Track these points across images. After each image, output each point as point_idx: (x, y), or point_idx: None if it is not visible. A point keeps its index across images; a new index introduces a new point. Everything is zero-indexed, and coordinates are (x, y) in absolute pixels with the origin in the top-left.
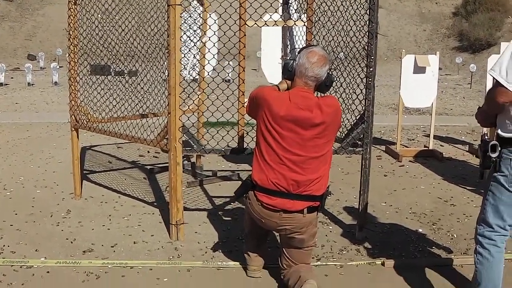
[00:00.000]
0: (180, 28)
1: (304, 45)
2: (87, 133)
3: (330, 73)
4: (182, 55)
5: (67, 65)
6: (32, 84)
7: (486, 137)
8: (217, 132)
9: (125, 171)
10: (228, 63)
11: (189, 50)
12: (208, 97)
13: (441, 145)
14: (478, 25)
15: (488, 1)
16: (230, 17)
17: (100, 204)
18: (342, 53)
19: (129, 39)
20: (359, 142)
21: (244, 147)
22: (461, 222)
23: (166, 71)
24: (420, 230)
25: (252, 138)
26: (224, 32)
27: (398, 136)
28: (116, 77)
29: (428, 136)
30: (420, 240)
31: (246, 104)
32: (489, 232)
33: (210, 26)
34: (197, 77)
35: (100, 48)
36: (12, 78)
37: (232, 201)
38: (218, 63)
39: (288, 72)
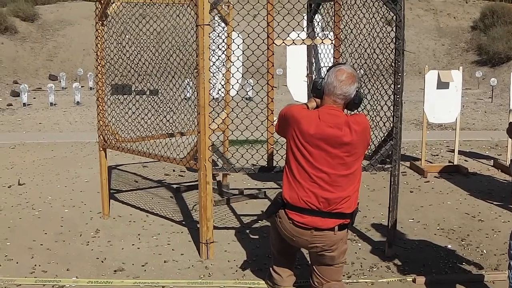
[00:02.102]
0: (210, 48)
1: (331, 63)
2: (111, 152)
3: (359, 91)
4: (211, 74)
5: (95, 85)
6: (55, 104)
7: None
8: (247, 151)
9: (152, 190)
10: (247, 82)
11: (218, 70)
12: (237, 116)
13: (465, 160)
14: (496, 38)
15: (506, 15)
16: (258, 36)
17: (129, 223)
18: (370, 70)
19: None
20: (388, 159)
21: (273, 165)
22: (490, 238)
23: (191, 90)
24: (449, 246)
25: (282, 156)
26: (252, 52)
27: (422, 151)
28: (147, 97)
29: (452, 151)
30: (450, 256)
31: (275, 122)
32: None
33: (238, 45)
34: (222, 95)
35: (122, 67)
36: (34, 98)
37: (261, 219)
38: (238, 82)
39: (317, 91)
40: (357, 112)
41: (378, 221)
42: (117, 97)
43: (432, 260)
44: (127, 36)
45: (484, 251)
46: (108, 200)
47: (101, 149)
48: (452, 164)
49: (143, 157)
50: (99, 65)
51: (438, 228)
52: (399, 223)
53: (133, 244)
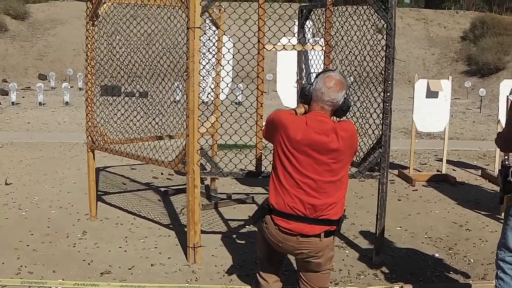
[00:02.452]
0: (200, 51)
1: (321, 69)
2: (99, 153)
3: (347, 98)
4: (201, 78)
5: (84, 86)
6: (44, 104)
7: (506, 162)
8: (235, 155)
9: (140, 193)
10: (237, 86)
11: (208, 73)
12: (226, 120)
13: (453, 170)
14: (486, 49)
15: (496, 26)
16: (249, 40)
17: (116, 225)
18: (360, 77)
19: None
20: (376, 167)
21: (262, 170)
22: (477, 247)
23: (180, 93)
24: (437, 255)
25: (270, 161)
26: (243, 56)
27: (411, 160)
28: (136, 99)
29: (441, 160)
30: (437, 265)
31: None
32: (510, 257)
33: (229, 49)
34: (212, 99)
35: (112, 68)
36: (23, 97)
37: (248, 224)
38: (227, 86)
39: (305, 96)
40: (345, 119)
41: (366, 228)
42: (106, 98)
43: (419, 268)
44: (117, 37)
45: (472, 260)
46: (95, 201)
47: (89, 150)
48: (440, 173)
49: (132, 159)
50: (88, 65)
51: (425, 236)
52: (386, 230)
53: (120, 247)
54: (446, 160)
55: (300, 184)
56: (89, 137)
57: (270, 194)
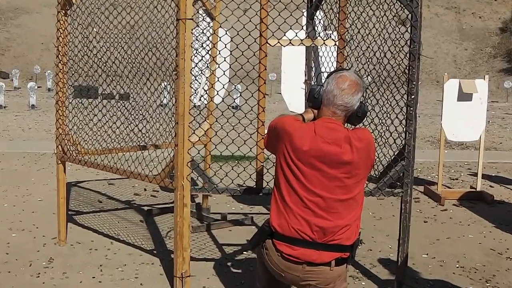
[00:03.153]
0: (191, 47)
1: (333, 68)
2: (72, 166)
3: (364, 102)
4: (193, 78)
5: (54, 86)
6: (5, 107)
7: None
8: (232, 169)
9: (119, 213)
10: (234, 87)
11: (201, 72)
12: (222, 127)
13: (490, 186)
14: None
15: None
16: (250, 34)
17: (89, 251)
18: (379, 77)
19: (130, 56)
20: (398, 183)
21: (263, 186)
22: None
23: (168, 95)
24: None
25: (273, 176)
26: (242, 52)
27: (439, 174)
28: (116, 102)
29: (475, 175)
30: None
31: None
32: None
33: (225, 44)
34: (205, 102)
35: (88, 65)
36: None
37: (246, 250)
38: (223, 88)
39: (314, 100)
40: (361, 127)
41: (385, 255)
42: (80, 101)
43: None
44: (94, 29)
45: None
46: (65, 223)
47: (60, 162)
48: (474, 190)
49: (110, 172)
50: (60, 62)
51: (457, 266)
52: (410, 258)
53: (93, 277)
54: (482, 174)
55: (307, 203)
56: (60, 146)
57: (271, 214)
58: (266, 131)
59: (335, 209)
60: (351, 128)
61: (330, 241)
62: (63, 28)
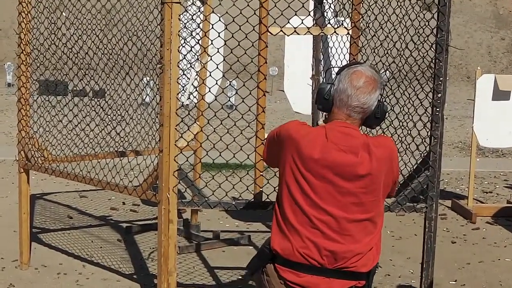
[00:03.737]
0: (179, 35)
1: (345, 61)
2: (37, 175)
3: (382, 101)
4: (181, 72)
5: (15, 81)
6: None
7: None
8: (226, 179)
9: (92, 230)
10: (229, 84)
11: (190, 66)
12: (215, 130)
13: None
14: None
15: None
16: (247, 21)
17: (57, 276)
18: (399, 73)
19: (106, 46)
20: (421, 196)
21: (263, 200)
22: None
23: (151, 92)
24: None
25: (275, 188)
26: (238, 42)
27: (470, 187)
28: (90, 100)
29: None
30: None
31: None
32: None
33: (219, 33)
34: (195, 101)
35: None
36: None
37: (244, 276)
38: (216, 84)
39: (324, 101)
40: (381, 133)
41: (406, 281)
42: (47, 99)
43: None
44: (63, 13)
45: None
46: (28, 243)
47: (22, 170)
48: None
49: (82, 183)
50: (22, 52)
51: None
52: (436, 286)
53: None
54: None
55: (315, 222)
56: (22, 152)
57: (272, 235)
58: (266, 137)
59: (348, 230)
60: (368, 133)
61: (343, 267)
62: (26, 12)
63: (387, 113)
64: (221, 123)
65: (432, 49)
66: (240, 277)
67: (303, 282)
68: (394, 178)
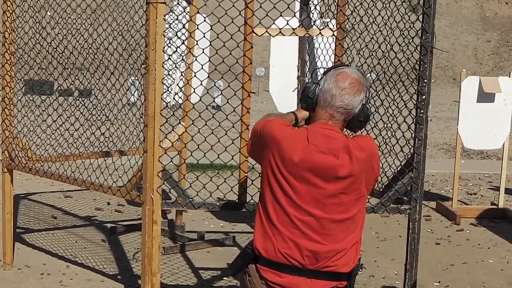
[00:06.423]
0: (164, 35)
1: (330, 62)
2: (21, 175)
3: (367, 103)
4: (166, 72)
5: (0, 80)
6: None
7: None
8: (211, 180)
9: (76, 230)
10: (214, 84)
11: (176, 66)
12: (199, 131)
13: None
14: None
15: None
16: (232, 21)
17: (41, 276)
18: (384, 74)
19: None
20: (405, 197)
21: (248, 201)
22: None
23: (136, 92)
24: None
25: (258, 189)
26: (224, 43)
27: (454, 188)
28: (75, 99)
29: (497, 189)
30: None
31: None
32: None
33: (204, 34)
34: (180, 101)
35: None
36: None
37: (227, 276)
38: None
39: (308, 100)
40: (361, 134)
41: (390, 282)
42: (31, 98)
43: None
44: (48, 12)
45: None
46: (11, 243)
47: (6, 170)
48: (496, 207)
49: (66, 183)
50: (7, 51)
51: None
52: (420, 286)
53: None
54: (505, 189)
55: (296, 223)
56: (6, 152)
57: (255, 235)
58: (250, 135)
59: (329, 230)
60: (350, 135)
61: (324, 267)
62: (10, 11)
63: (370, 117)
64: (206, 124)
65: (417, 51)
66: (224, 278)
67: (284, 283)
68: (375, 177)
